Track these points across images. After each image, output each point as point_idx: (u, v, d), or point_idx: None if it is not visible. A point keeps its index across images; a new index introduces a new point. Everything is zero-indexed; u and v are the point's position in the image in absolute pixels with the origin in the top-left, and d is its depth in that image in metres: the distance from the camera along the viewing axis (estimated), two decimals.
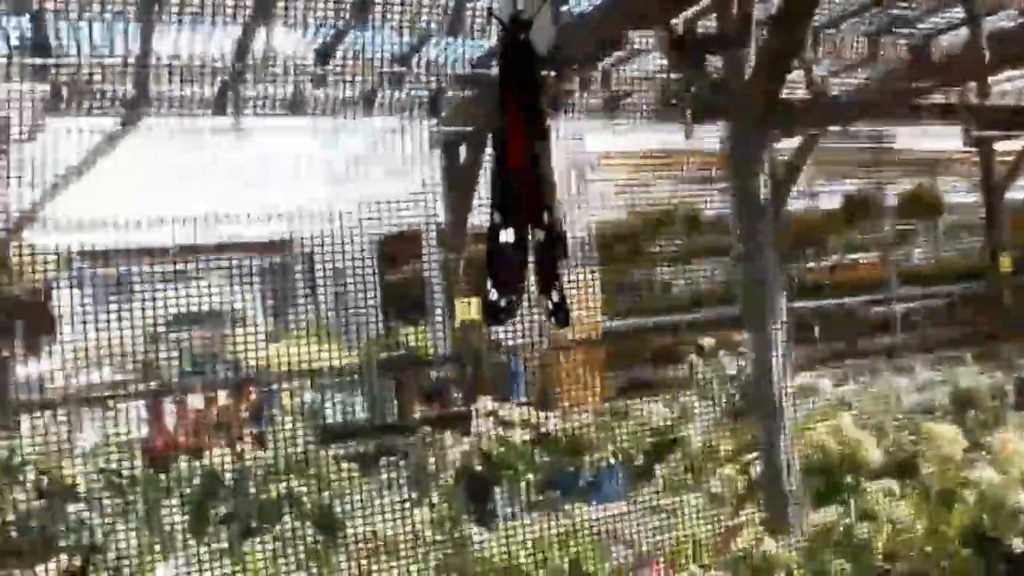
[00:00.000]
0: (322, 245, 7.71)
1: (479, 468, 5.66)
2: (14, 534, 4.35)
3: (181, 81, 5.27)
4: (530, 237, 1.86)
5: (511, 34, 1.98)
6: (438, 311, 7.63)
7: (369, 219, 6.99)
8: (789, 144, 6.19)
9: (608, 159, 6.12)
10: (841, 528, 4.46)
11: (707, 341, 5.93)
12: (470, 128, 6.01)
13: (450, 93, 5.96)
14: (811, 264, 9.36)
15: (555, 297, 1.89)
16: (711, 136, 5.60)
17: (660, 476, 5.10)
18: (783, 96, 5.24)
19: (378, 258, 8.46)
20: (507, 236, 1.85)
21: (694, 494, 4.68)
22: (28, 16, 4.24)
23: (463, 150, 6.30)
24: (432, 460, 5.67)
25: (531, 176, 1.88)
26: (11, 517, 4.37)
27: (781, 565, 4.17)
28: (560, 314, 1.90)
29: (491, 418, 6.03)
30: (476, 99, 5.92)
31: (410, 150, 6.45)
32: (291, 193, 8.12)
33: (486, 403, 6.24)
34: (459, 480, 5.51)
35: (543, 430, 5.94)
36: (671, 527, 4.39)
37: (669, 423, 5.54)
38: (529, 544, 4.64)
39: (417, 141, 6.25)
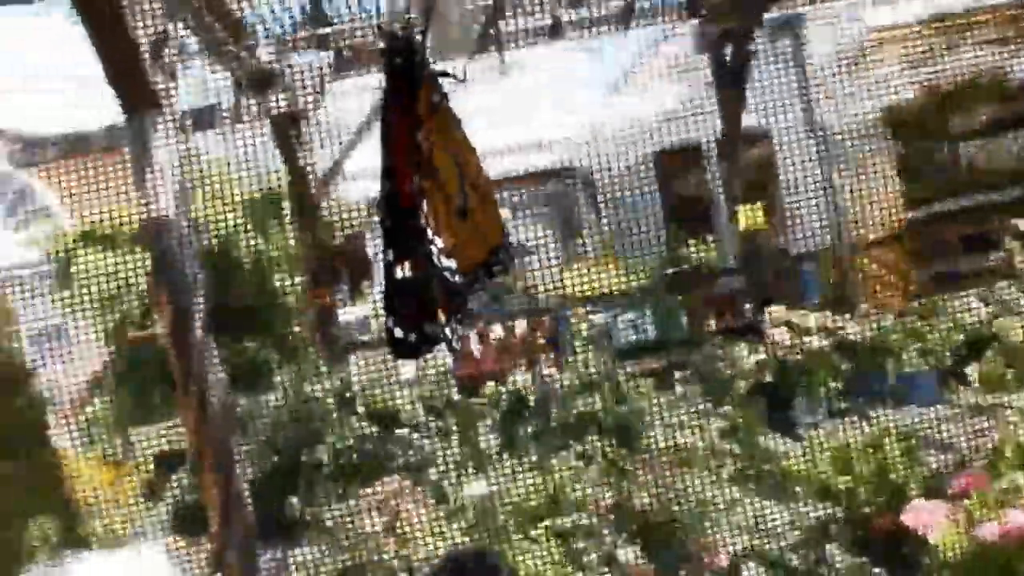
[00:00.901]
0: (600, 167, 7.83)
1: (774, 378, 5.53)
2: (354, 456, 5.00)
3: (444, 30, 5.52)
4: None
5: (389, 60, 1.83)
6: (722, 221, 7.45)
7: (645, 134, 6.96)
8: None
9: (891, 31, 5.54)
10: None
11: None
12: (733, 25, 5.70)
13: None
14: None
15: (442, 325, 1.81)
16: None
17: (975, 376, 4.66)
18: None
19: (658, 173, 8.41)
20: (403, 272, 1.80)
21: (1016, 395, 4.23)
22: None
23: (729, 49, 6.00)
24: (726, 372, 5.63)
25: (416, 210, 1.78)
26: (350, 442, 5.01)
27: None
28: (443, 345, 1.80)
29: (784, 326, 5.84)
30: None
31: (676, 58, 6.28)
32: (565, 119, 8.28)
33: (778, 311, 6.04)
34: (755, 391, 5.43)
35: (842, 334, 5.65)
36: (989, 431, 4.02)
37: (985, 319, 5.02)
38: (832, 453, 4.49)
39: (682, 47, 6.06)
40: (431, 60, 2.01)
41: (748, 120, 6.29)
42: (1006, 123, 6.18)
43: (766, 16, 5.61)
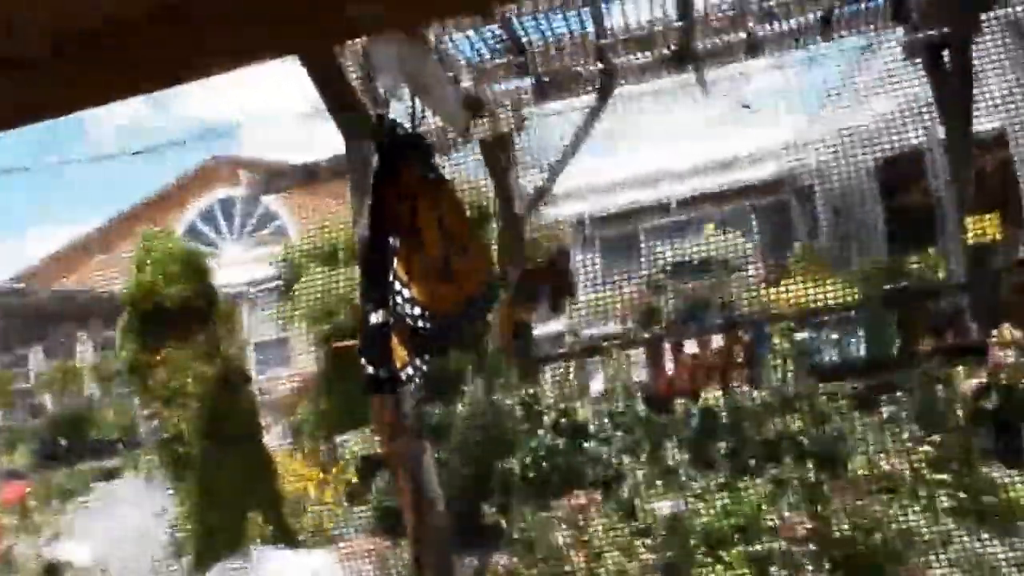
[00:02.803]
0: (817, 178, 7.50)
1: (999, 403, 5.02)
2: (544, 467, 5.09)
3: (640, 48, 5.54)
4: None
5: (383, 142, 2.16)
6: (948, 233, 6.88)
7: (861, 144, 6.58)
8: None
9: None
10: None
11: None
12: (947, 29, 5.28)
13: None
14: None
15: (418, 367, 2.14)
16: None
17: None
18: None
19: (879, 183, 7.91)
20: (376, 318, 2.07)
21: None
22: (498, 23, 4.87)
23: (946, 53, 5.55)
24: (941, 395, 5.18)
25: (385, 265, 2.07)
26: (541, 453, 5.11)
27: None
28: (387, 385, 2.12)
29: (1013, 347, 5.28)
30: None
31: (886, 65, 5.89)
32: (775, 132, 8.01)
33: (1008, 331, 5.47)
34: (975, 416, 4.96)
35: None
36: None
37: None
38: None
39: (890, 54, 5.68)
40: (426, 137, 2.46)
41: (977, 125, 5.78)
42: None
43: (988, 15, 5.14)
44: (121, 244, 11.28)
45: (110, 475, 7.64)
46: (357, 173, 3.97)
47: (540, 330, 6.40)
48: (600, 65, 5.82)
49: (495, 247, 6.44)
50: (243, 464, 4.83)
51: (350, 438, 5.36)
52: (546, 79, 5.90)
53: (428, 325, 2.15)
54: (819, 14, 5.29)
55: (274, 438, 5.30)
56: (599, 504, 4.85)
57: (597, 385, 5.52)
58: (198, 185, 14.86)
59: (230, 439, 4.83)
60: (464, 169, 5.99)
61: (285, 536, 4.75)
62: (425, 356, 2.24)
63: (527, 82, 5.83)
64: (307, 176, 5.66)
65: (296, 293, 5.74)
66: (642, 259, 7.51)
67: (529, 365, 5.75)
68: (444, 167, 5.77)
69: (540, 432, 5.21)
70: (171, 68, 1.08)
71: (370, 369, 2.10)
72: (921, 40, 5.36)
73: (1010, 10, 5.20)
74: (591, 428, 5.27)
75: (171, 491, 5.23)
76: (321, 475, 5.21)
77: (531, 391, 5.38)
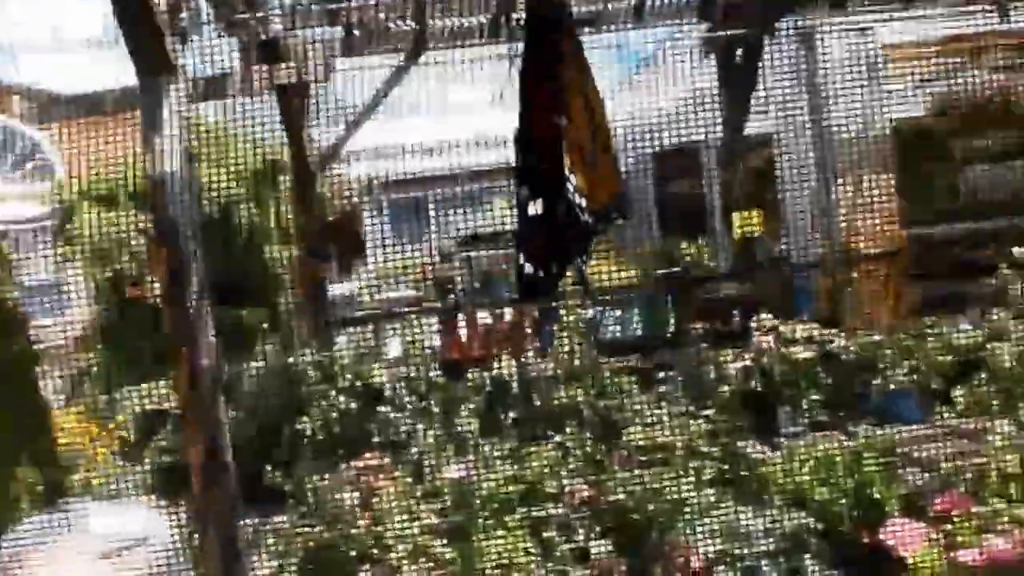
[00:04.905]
0: None
1: (758, 385, 5.53)
2: (336, 429, 4.97)
3: (458, 14, 5.48)
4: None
5: (535, 9, 1.95)
6: (717, 226, 7.45)
7: (645, 133, 6.92)
8: None
9: (903, 50, 5.53)
10: None
11: (1021, 251, 5.26)
12: (744, 30, 5.67)
13: None
14: None
15: (580, 268, 1.89)
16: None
17: (960, 400, 4.68)
18: None
19: (656, 173, 8.39)
20: (535, 209, 1.84)
21: (1002, 420, 4.24)
22: None
23: (739, 54, 5.96)
24: (709, 376, 5.63)
25: (554, 148, 1.83)
26: (332, 416, 4.98)
27: None
28: (583, 287, 1.91)
29: (772, 335, 5.84)
30: None
31: (682, 58, 6.23)
32: None
33: (767, 319, 6.04)
34: (737, 396, 5.43)
35: (829, 347, 5.65)
36: (972, 455, 4.03)
37: (974, 343, 5.03)
38: (811, 464, 4.49)
39: (688, 48, 6.02)
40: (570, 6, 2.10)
41: (752, 126, 6.27)
42: (1011, 151, 6.19)
43: (779, 24, 5.58)
44: None
45: None
46: (150, 107, 3.62)
47: (332, 291, 6.21)
48: (414, 25, 5.69)
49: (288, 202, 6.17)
50: (15, 417, 4.32)
51: (131, 392, 4.95)
52: (357, 32, 5.69)
53: (590, 220, 1.83)
54: (632, 1, 5.49)
55: (50, 389, 4.78)
56: (389, 468, 4.82)
57: (392, 350, 5.45)
58: None
59: (2, 389, 4.30)
60: (259, 116, 5.64)
61: (59, 494, 4.33)
62: (585, 256, 1.91)
63: (335, 32, 5.60)
64: (88, 108, 5.13)
65: (72, 234, 5.20)
66: (433, 227, 7.50)
67: (323, 325, 5.58)
68: (237, 115, 5.43)
69: (332, 394, 5.08)
70: None
71: (528, 268, 1.79)
72: (718, 38, 5.72)
73: (804, 20, 5.66)
74: (385, 393, 5.21)
75: None
76: (99, 430, 4.78)
77: (325, 352, 5.22)
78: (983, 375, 4.78)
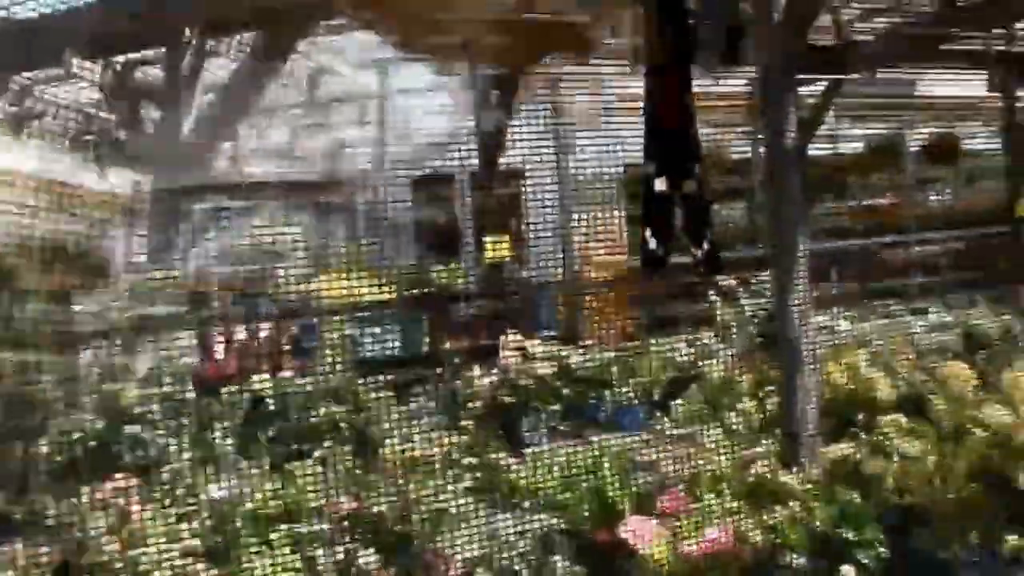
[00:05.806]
0: (364, 183, 7.98)
1: (506, 398, 5.97)
2: (79, 451, 4.72)
3: None
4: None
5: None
6: (468, 249, 7.89)
7: (406, 160, 7.24)
8: (814, 88, 6.28)
9: (623, 103, 6.25)
10: (853, 462, 4.67)
11: (728, 281, 6.14)
12: (502, 71, 6.14)
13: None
14: (834, 206, 9.49)
15: (705, 246, 1.99)
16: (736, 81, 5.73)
17: (677, 410, 5.37)
18: (810, 41, 5.33)
19: (414, 197, 8.69)
20: (660, 186, 1.93)
21: (711, 427, 4.94)
22: None
23: (495, 93, 6.44)
24: (462, 390, 5.99)
25: (683, 130, 1.96)
26: (77, 435, 4.73)
27: (793, 495, 4.40)
28: (711, 262, 2.04)
29: (517, 351, 6.31)
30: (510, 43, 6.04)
31: (451, 91, 6.61)
32: (352, 132, 8.41)
33: (513, 337, 6.52)
34: (487, 409, 5.83)
35: (566, 364, 6.22)
36: (688, 458, 4.66)
37: (688, 360, 5.80)
38: (555, 470, 4.93)
39: (457, 83, 6.40)
40: None
41: (504, 160, 6.79)
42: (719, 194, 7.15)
43: (537, 68, 6.11)
44: None
45: None
46: None
47: (80, 303, 5.85)
48: None
49: None
50: None
51: None
52: None
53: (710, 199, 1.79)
54: None
55: None
56: (140, 490, 4.65)
57: (142, 367, 5.25)
58: None
59: None
60: None
61: None
62: (709, 235, 1.85)
63: None
64: None
65: None
66: (192, 239, 7.23)
67: (68, 339, 5.25)
68: None
69: (76, 414, 4.81)
70: None
71: (651, 243, 1.72)
72: (480, 78, 6.15)
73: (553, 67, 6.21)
74: (135, 411, 5.02)
75: None
76: None
77: (69, 368, 4.93)
78: (695, 388, 5.52)
